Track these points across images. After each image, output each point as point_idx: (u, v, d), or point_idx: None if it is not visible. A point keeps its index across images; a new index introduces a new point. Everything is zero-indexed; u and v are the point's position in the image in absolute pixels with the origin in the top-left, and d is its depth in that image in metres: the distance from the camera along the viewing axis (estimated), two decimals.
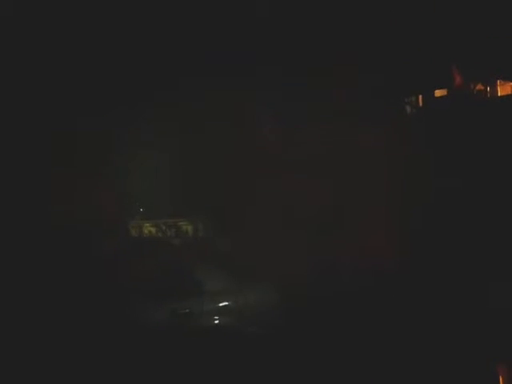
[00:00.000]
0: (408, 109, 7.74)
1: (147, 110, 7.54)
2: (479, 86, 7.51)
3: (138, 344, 6.28)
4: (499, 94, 7.52)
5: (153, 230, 7.39)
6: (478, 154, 7.03)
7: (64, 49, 7.49)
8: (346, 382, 6.10)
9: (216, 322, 6.50)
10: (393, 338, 6.25)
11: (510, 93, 7.57)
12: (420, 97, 7.79)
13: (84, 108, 7.59)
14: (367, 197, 6.99)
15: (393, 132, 7.22)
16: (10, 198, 7.21)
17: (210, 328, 6.49)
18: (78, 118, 7.55)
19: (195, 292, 6.66)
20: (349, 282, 6.92)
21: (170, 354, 6.26)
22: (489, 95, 7.55)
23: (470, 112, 7.22)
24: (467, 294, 6.54)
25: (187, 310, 6.46)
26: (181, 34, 7.53)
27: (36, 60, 7.55)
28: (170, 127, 7.66)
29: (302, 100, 7.57)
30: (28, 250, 7.03)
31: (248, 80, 7.43)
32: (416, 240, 6.90)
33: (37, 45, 7.40)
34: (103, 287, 6.61)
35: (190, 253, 7.16)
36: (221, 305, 6.62)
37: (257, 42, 7.48)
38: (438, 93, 7.64)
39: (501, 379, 5.73)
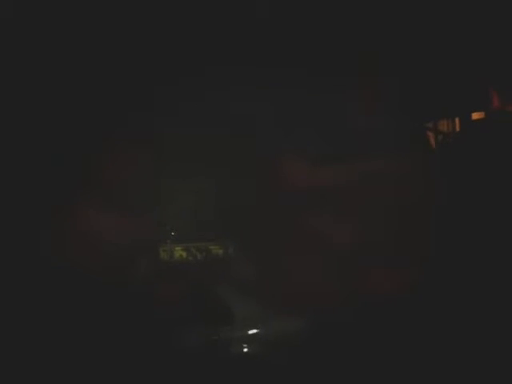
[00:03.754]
0: (442, 134, 7.54)
1: (181, 133, 7.51)
2: None
3: (166, 369, 6.23)
4: None
5: (183, 253, 7.31)
6: None
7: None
8: None
9: (245, 349, 6.44)
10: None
11: None
12: (455, 120, 7.60)
13: (115, 130, 7.55)
14: (397, 227, 6.87)
15: (423, 160, 7.08)
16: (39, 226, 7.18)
17: (238, 355, 6.43)
18: (109, 140, 7.50)
19: (224, 318, 6.61)
20: (376, 309, 6.80)
21: (197, 379, 6.21)
22: None
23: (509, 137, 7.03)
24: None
25: (216, 337, 6.41)
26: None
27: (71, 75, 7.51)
28: (202, 150, 7.61)
29: (330, 128, 7.46)
30: (59, 272, 7.00)
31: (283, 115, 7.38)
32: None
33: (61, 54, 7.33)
34: (131, 312, 6.57)
35: (219, 278, 7.10)
36: (250, 332, 6.56)
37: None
38: (475, 116, 7.45)
39: None
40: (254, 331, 6.41)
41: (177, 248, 7.37)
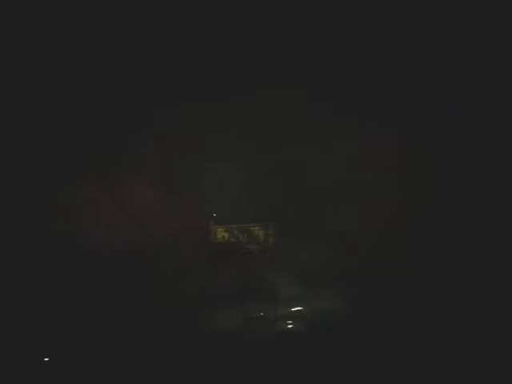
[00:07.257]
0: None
1: (224, 115, 7.72)
2: None
3: (214, 345, 6.49)
4: None
5: (226, 234, 7.55)
6: None
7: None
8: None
9: (289, 326, 6.66)
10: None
11: None
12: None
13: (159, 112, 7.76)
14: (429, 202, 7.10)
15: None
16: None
17: (282, 332, 6.66)
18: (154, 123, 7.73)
19: (269, 297, 6.84)
20: (420, 291, 6.99)
21: (243, 355, 6.46)
22: None
23: None
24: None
25: (261, 314, 6.64)
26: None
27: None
28: (245, 133, 7.82)
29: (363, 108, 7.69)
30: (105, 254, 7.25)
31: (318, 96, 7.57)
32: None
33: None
34: (179, 291, 6.81)
35: (263, 258, 7.32)
36: (293, 310, 6.78)
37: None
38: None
39: None
40: (298, 309, 6.67)
41: (219, 229, 7.60)
